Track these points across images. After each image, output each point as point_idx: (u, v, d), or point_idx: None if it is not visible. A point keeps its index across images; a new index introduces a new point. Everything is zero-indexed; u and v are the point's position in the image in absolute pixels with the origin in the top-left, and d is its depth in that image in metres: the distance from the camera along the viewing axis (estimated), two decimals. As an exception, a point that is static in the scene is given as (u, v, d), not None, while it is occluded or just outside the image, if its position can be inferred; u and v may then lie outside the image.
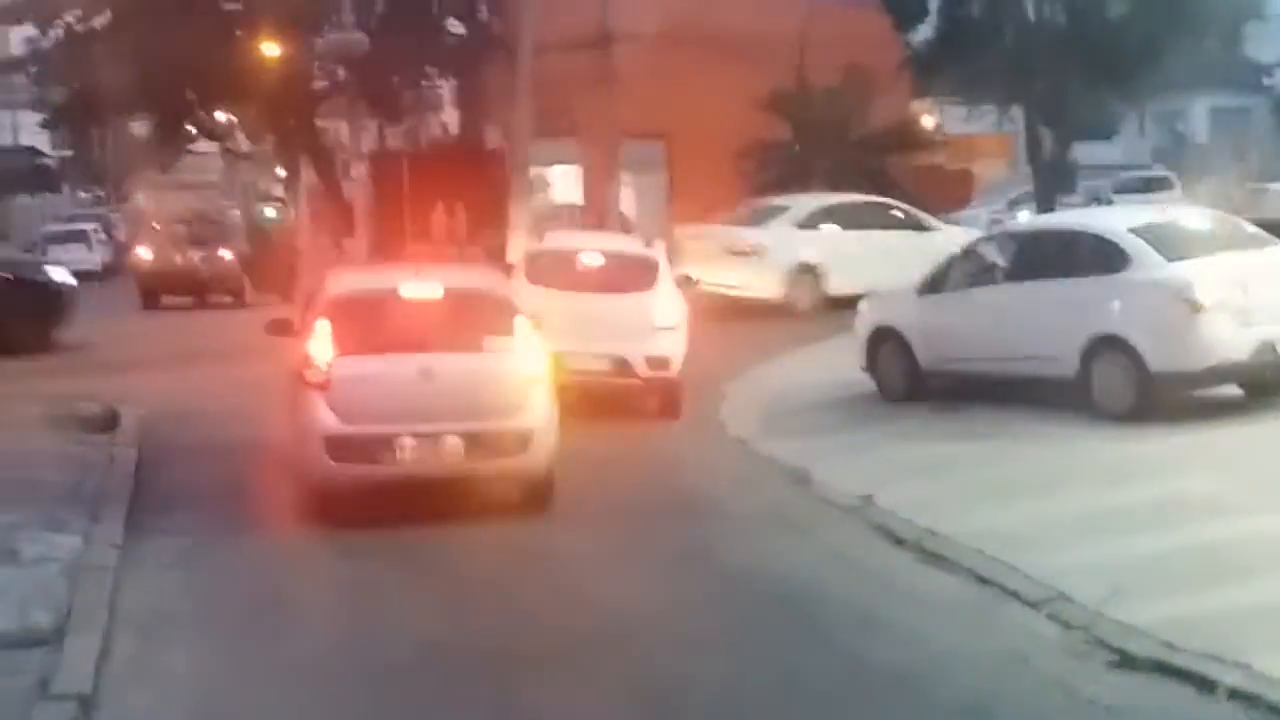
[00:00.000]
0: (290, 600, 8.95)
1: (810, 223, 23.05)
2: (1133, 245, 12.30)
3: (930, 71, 37.43)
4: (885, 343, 14.13)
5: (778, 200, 25.18)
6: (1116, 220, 13.50)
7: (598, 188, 37.12)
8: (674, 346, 14.46)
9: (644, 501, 11.20)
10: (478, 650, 7.87)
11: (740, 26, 38.60)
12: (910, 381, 13.92)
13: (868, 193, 36.87)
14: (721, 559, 9.61)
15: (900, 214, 23.80)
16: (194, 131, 52.29)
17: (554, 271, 14.83)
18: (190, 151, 60.25)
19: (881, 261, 19.35)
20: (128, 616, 8.46)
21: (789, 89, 36.75)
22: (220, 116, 50.24)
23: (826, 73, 36.74)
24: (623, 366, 14.28)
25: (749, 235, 22.58)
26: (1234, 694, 6.69)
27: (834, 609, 8.48)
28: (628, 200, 38.62)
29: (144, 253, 34.07)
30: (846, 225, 23.07)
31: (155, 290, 31.47)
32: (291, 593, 9.11)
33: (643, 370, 14.33)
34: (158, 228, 39.49)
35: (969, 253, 14.05)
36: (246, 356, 16.98)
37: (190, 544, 10.23)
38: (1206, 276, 11.85)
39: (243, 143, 53.30)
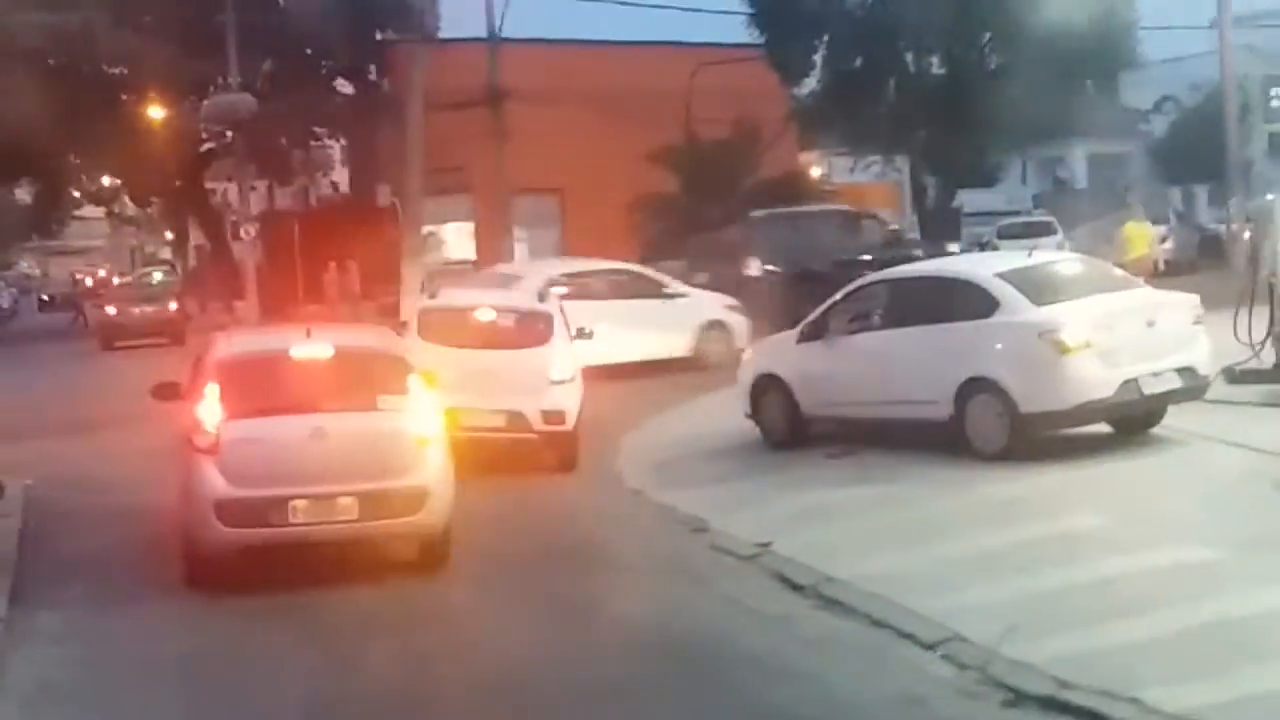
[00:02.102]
0: (182, 668, 8.77)
1: None
2: (1000, 290, 12.58)
3: (816, 124, 38.02)
4: (768, 390, 14.30)
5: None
6: (985, 266, 13.80)
7: (491, 243, 37.11)
8: (569, 400, 14.46)
9: (542, 555, 11.17)
10: (374, 711, 7.78)
11: (629, 82, 38.98)
12: (792, 427, 14.10)
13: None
14: (620, 609, 9.61)
15: None
16: (79, 196, 51.49)
17: (447, 328, 14.79)
18: (76, 216, 59.28)
19: None
20: (13, 690, 8.28)
21: (678, 142, 37.12)
22: (105, 180, 49.59)
23: (714, 126, 37.17)
24: (518, 421, 14.25)
25: None
26: (1125, 728, 6.80)
27: (733, 656, 8.50)
28: (522, 255, 38.64)
29: None
30: None
31: None
32: (183, 660, 8.93)
33: (538, 424, 14.31)
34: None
35: (846, 299, 14.26)
36: (135, 422, 16.67)
37: (78, 614, 10.02)
38: (1072, 319, 12.14)
39: (129, 206, 52.66)
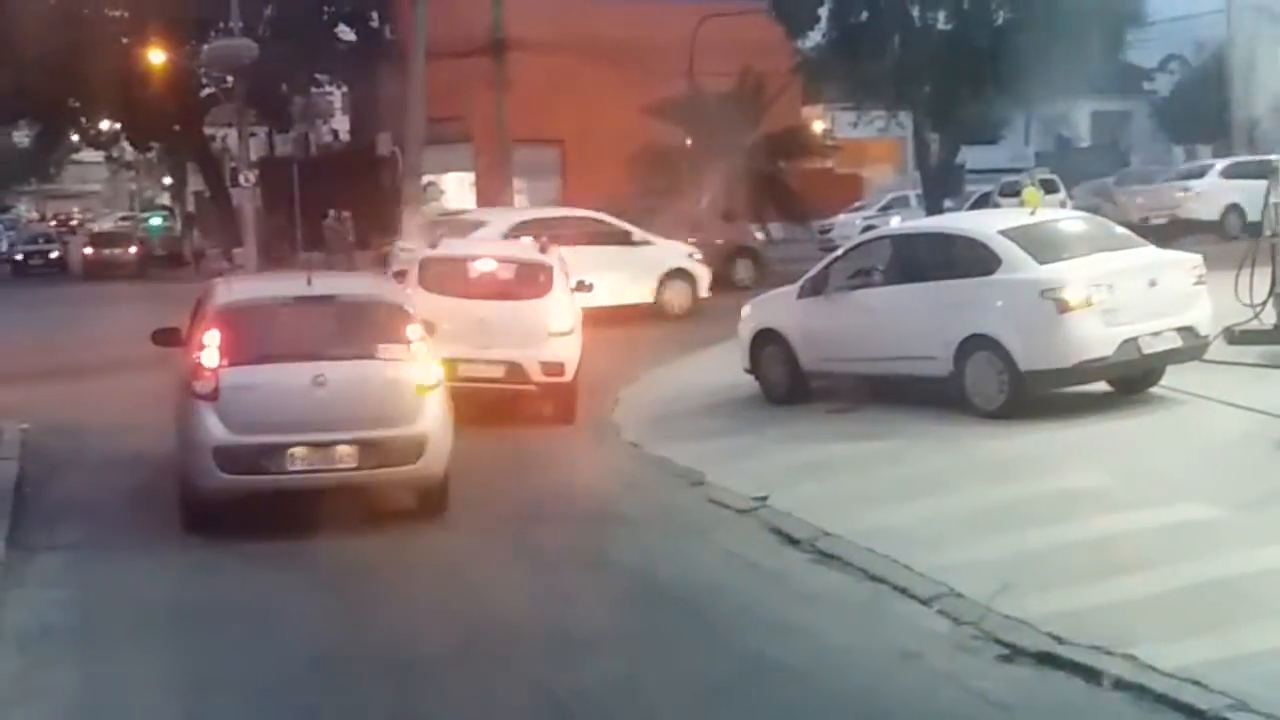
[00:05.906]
0: (181, 614, 8.79)
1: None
2: (1003, 247, 12.55)
3: (820, 77, 37.86)
4: (768, 345, 14.30)
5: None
6: (988, 223, 13.76)
7: (492, 194, 37.01)
8: (568, 351, 14.44)
9: (540, 506, 11.19)
10: (374, 659, 7.80)
11: (632, 33, 38.75)
12: (792, 382, 14.11)
13: (760, 197, 37.16)
14: (618, 562, 9.63)
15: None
16: (77, 139, 51.16)
17: (448, 278, 14.77)
18: (74, 160, 58.95)
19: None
20: (11, 634, 8.29)
21: (681, 95, 36.94)
22: (105, 124, 49.34)
23: (718, 79, 36.97)
24: (517, 372, 14.24)
25: None
26: (1119, 684, 6.83)
27: (730, 609, 8.52)
28: (522, 206, 38.53)
29: None
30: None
31: None
32: (182, 606, 8.96)
33: (537, 375, 14.30)
34: None
35: (847, 256, 14.23)
36: (133, 366, 16.70)
37: (76, 559, 10.04)
38: (1074, 277, 12.13)
39: (128, 151, 52.35)
